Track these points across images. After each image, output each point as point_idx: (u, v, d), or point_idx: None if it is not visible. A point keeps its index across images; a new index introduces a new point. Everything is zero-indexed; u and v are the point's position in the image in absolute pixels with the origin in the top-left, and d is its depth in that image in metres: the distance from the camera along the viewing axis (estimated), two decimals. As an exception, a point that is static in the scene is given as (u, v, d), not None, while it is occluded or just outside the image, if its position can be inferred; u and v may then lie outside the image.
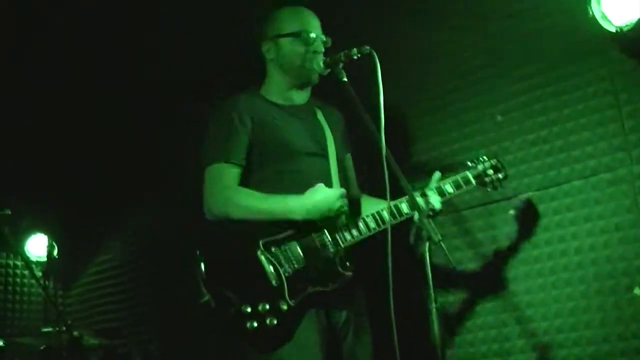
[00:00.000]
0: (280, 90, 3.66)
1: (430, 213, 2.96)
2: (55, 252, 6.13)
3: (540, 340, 4.00)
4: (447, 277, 4.21)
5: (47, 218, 6.43)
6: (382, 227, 3.37)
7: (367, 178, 3.86)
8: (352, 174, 3.82)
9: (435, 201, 3.45)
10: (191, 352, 5.54)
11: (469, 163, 3.67)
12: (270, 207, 3.35)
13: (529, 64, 4.21)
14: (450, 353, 4.27)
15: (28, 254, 6.39)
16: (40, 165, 6.16)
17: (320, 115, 3.72)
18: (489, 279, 4.21)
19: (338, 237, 3.38)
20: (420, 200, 3.37)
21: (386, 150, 2.97)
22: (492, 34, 4.31)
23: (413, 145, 4.60)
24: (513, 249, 4.14)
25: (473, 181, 3.61)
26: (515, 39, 4.23)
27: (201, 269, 3.24)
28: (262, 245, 3.28)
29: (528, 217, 4.11)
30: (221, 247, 3.36)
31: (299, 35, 3.57)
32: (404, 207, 3.39)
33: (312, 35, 3.56)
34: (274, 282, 3.23)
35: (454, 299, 4.29)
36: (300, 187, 3.41)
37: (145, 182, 6.20)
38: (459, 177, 3.59)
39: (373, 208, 3.47)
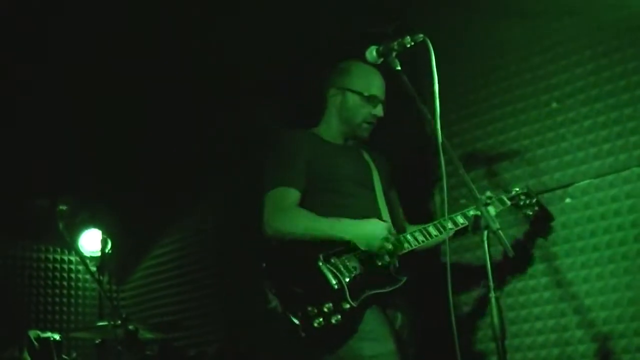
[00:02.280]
0: (334, 136, 3.90)
1: (488, 202, 2.93)
2: (109, 247, 6.18)
3: (599, 330, 3.93)
4: (504, 266, 4.17)
5: (102, 213, 6.49)
6: (430, 240, 3.59)
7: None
8: (398, 207, 4.06)
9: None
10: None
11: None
12: (325, 226, 3.52)
13: (585, 50, 4.14)
14: (507, 343, 4.20)
15: (81, 249, 6.46)
16: (95, 161, 6.22)
17: (366, 155, 3.98)
18: (546, 268, 4.15)
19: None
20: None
21: (443, 139, 2.94)
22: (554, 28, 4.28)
23: (468, 134, 4.55)
24: (570, 238, 4.08)
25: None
26: (575, 31, 4.20)
27: (268, 280, 3.42)
28: (322, 257, 3.43)
29: (585, 205, 4.04)
30: (285, 260, 3.53)
31: (367, 98, 3.80)
32: (449, 224, 3.58)
33: (379, 103, 3.81)
34: (335, 286, 3.37)
35: (511, 288, 4.23)
36: (353, 210, 3.63)
37: (203, 178, 6.24)
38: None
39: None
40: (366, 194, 3.78)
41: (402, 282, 3.48)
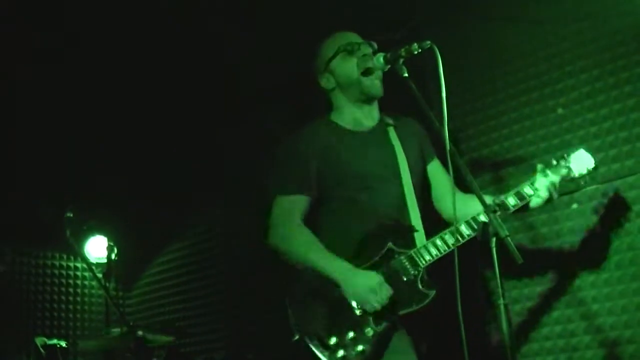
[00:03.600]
0: (349, 115, 3.72)
1: (496, 208, 2.92)
2: (114, 254, 6.19)
3: (607, 335, 3.93)
4: (512, 273, 4.17)
5: (108, 220, 6.50)
6: (462, 241, 3.38)
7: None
8: (443, 177, 3.76)
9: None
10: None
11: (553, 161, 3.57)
12: (320, 261, 3.42)
13: (590, 56, 4.15)
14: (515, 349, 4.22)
15: (88, 256, 6.47)
16: (101, 168, 6.24)
17: (392, 134, 3.74)
18: (553, 274, 4.15)
19: (417, 259, 3.40)
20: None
21: (451, 146, 2.94)
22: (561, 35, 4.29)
23: (474, 140, 4.55)
24: (577, 244, 4.08)
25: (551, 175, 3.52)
26: (581, 38, 4.21)
27: (290, 314, 3.38)
28: None
29: (592, 211, 4.05)
30: (305, 289, 3.46)
31: (343, 50, 3.68)
32: (465, 230, 3.38)
33: (353, 43, 3.67)
34: (358, 312, 3.31)
35: (518, 294, 4.23)
36: (371, 216, 3.51)
37: (208, 184, 6.26)
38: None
39: (469, 209, 3.42)
40: (392, 188, 3.59)
41: (431, 297, 3.35)
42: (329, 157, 3.59)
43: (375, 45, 3.61)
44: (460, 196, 3.67)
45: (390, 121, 3.78)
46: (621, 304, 3.90)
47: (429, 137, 3.83)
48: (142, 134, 6.19)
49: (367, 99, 3.69)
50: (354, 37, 3.73)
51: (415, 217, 3.57)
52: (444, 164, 2.94)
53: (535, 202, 3.50)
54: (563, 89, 4.23)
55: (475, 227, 3.34)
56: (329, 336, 3.27)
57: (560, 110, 4.22)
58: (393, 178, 3.62)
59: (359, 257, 3.42)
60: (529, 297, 4.21)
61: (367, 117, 3.72)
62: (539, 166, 3.54)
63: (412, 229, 3.54)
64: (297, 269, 3.52)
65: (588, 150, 4.01)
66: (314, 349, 3.26)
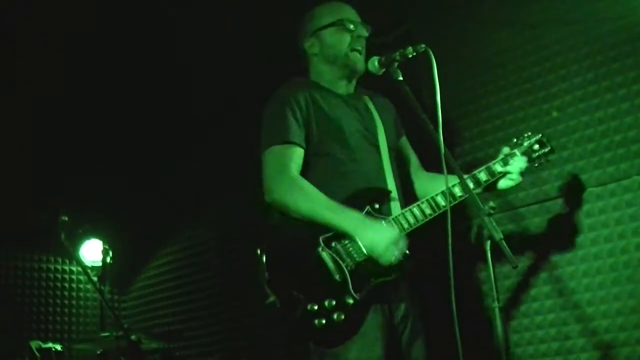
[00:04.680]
0: (329, 81, 3.68)
1: (491, 211, 2.92)
2: (109, 258, 6.19)
3: (602, 338, 3.93)
4: (506, 276, 4.18)
5: (103, 224, 6.50)
6: (438, 212, 3.34)
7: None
8: (410, 154, 3.84)
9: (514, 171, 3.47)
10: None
11: (514, 140, 3.60)
12: (331, 213, 3.30)
13: (584, 59, 4.16)
14: (510, 352, 4.23)
15: (83, 259, 6.47)
16: (96, 171, 6.24)
17: (370, 104, 3.73)
18: (548, 277, 4.15)
19: (396, 226, 3.34)
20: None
21: (445, 149, 2.95)
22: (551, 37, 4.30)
23: (468, 143, 4.56)
24: (572, 247, 4.08)
25: (520, 156, 3.52)
26: (573, 41, 4.21)
27: (263, 270, 3.25)
28: (323, 241, 3.28)
29: (586, 214, 4.05)
30: (281, 245, 3.36)
31: (339, 24, 3.62)
32: (457, 191, 3.34)
33: (351, 23, 3.61)
34: (337, 277, 3.23)
35: (512, 297, 4.24)
36: (356, 176, 3.45)
37: (203, 188, 6.26)
38: (506, 155, 3.53)
39: (434, 188, 3.42)
40: (371, 153, 3.55)
41: (408, 266, 3.29)
42: (315, 112, 3.52)
43: (370, 29, 3.63)
44: (425, 175, 3.78)
45: (366, 92, 3.78)
46: (616, 306, 3.91)
47: (400, 116, 3.86)
48: (138, 136, 6.20)
49: (349, 74, 3.67)
50: (353, 15, 3.69)
51: (392, 185, 3.53)
52: (439, 167, 2.92)
53: (505, 184, 3.52)
54: (557, 92, 4.23)
55: (451, 200, 3.30)
56: (306, 302, 3.19)
57: (555, 114, 4.22)
58: (373, 144, 3.59)
59: None
60: (523, 300, 4.21)
61: (346, 86, 3.70)
62: (505, 148, 3.56)
63: (389, 196, 3.48)
64: (276, 223, 3.44)
65: (583, 153, 4.06)
66: (294, 315, 3.19)
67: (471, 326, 3.12)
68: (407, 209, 3.40)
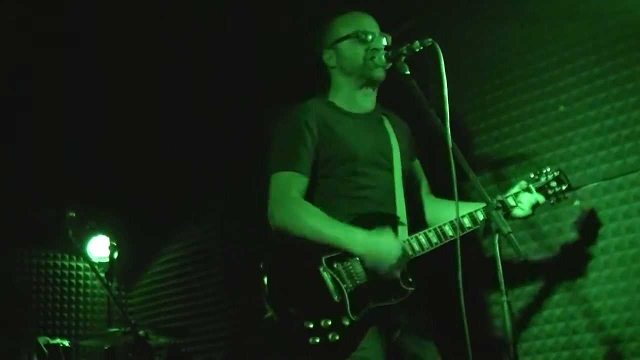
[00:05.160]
0: (346, 96, 3.64)
1: (499, 205, 2.92)
2: (116, 254, 6.20)
3: (609, 333, 3.92)
4: (513, 270, 4.17)
5: (110, 220, 6.52)
6: (445, 241, 3.35)
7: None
8: (422, 178, 3.84)
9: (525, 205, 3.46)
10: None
11: (531, 175, 3.60)
12: (334, 234, 3.30)
13: (591, 54, 4.15)
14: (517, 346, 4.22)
15: (90, 256, 6.49)
16: (103, 168, 6.26)
17: (387, 123, 3.70)
18: (555, 272, 4.15)
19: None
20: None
21: (452, 144, 2.94)
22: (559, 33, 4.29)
23: (475, 138, 4.56)
24: (579, 241, 4.07)
25: (536, 193, 3.52)
26: (579, 35, 4.20)
27: (264, 285, 3.25)
28: (325, 261, 3.27)
29: (594, 208, 4.04)
30: (283, 262, 3.35)
31: (356, 36, 3.57)
32: (467, 222, 3.36)
33: (369, 34, 3.55)
34: (336, 297, 3.22)
35: (519, 292, 4.23)
36: (364, 202, 3.45)
37: (208, 184, 6.27)
38: (522, 189, 3.52)
39: (444, 215, 3.44)
40: (383, 176, 3.53)
41: (409, 293, 3.30)
42: (326, 134, 3.49)
43: (390, 39, 3.59)
44: (435, 200, 3.77)
45: (385, 112, 3.76)
46: (623, 301, 3.89)
47: (414, 140, 3.84)
48: (143, 134, 6.20)
49: (368, 83, 3.62)
50: (370, 25, 3.63)
51: (401, 209, 3.52)
52: (446, 161, 2.92)
53: (517, 212, 3.49)
54: (564, 87, 4.22)
55: (465, 227, 3.34)
56: (303, 320, 3.17)
57: (562, 108, 4.21)
58: (385, 165, 3.57)
59: None
60: (531, 295, 4.20)
61: (364, 100, 3.65)
62: (523, 182, 3.55)
63: (397, 221, 3.47)
64: (279, 239, 3.42)
65: (590, 147, 4.05)
66: (285, 330, 3.20)
67: (479, 321, 3.12)
68: (413, 235, 3.39)
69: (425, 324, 3.49)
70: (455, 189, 2.92)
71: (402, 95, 3.55)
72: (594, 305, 3.98)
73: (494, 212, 2.85)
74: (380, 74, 3.53)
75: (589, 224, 4.04)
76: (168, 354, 5.52)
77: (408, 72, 3.20)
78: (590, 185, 4.05)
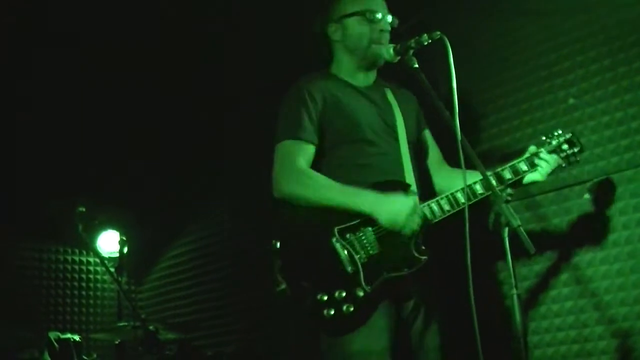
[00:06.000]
0: (348, 71, 3.67)
1: (509, 198, 2.92)
2: (126, 248, 6.21)
3: (619, 326, 3.90)
4: (523, 263, 4.16)
5: (120, 215, 6.53)
6: (457, 208, 3.34)
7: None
8: (432, 148, 3.83)
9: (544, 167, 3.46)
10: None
11: (542, 138, 3.58)
12: (343, 198, 3.31)
13: (601, 46, 4.13)
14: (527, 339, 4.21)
15: (99, 250, 6.50)
16: (113, 163, 6.27)
17: (390, 96, 3.71)
18: (565, 265, 4.13)
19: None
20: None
21: (461, 136, 2.94)
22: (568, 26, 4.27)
23: (485, 131, 4.54)
24: (589, 234, 4.06)
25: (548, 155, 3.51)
26: (590, 28, 4.17)
27: (277, 258, 3.26)
28: (337, 232, 3.28)
29: (604, 201, 4.03)
30: (296, 235, 3.35)
31: (364, 14, 3.59)
32: (478, 188, 3.35)
33: (378, 13, 3.58)
34: (349, 268, 3.23)
35: (529, 285, 4.22)
36: (374, 169, 3.45)
37: (218, 178, 6.27)
38: (532, 153, 3.52)
39: (456, 183, 3.40)
40: (389, 145, 3.54)
41: (422, 263, 3.29)
42: (330, 104, 3.51)
43: (396, 22, 3.61)
44: (446, 170, 3.77)
45: (387, 84, 3.76)
46: (634, 294, 3.87)
47: (421, 109, 3.83)
48: (152, 129, 6.21)
49: (368, 65, 3.66)
50: (379, 5, 3.65)
51: (410, 178, 3.52)
52: (455, 155, 2.92)
53: (530, 177, 3.50)
54: (574, 80, 4.20)
55: (472, 197, 3.33)
56: (316, 291, 3.19)
57: (571, 101, 4.20)
58: (391, 135, 3.58)
59: (353, 214, 3.33)
60: (540, 288, 4.19)
61: (365, 76, 3.69)
62: (532, 147, 3.54)
63: (407, 189, 3.45)
64: (289, 214, 3.41)
65: (600, 140, 4.03)
66: (303, 303, 3.21)
67: (489, 314, 3.10)
68: (425, 204, 3.39)
69: (434, 304, 3.50)
70: (465, 181, 2.93)
71: (410, 89, 3.58)
72: (604, 298, 3.97)
73: (503, 206, 2.85)
74: (382, 58, 3.53)
75: (599, 217, 4.03)
76: (178, 348, 5.53)
77: (416, 66, 3.19)
78: (600, 179, 4.03)
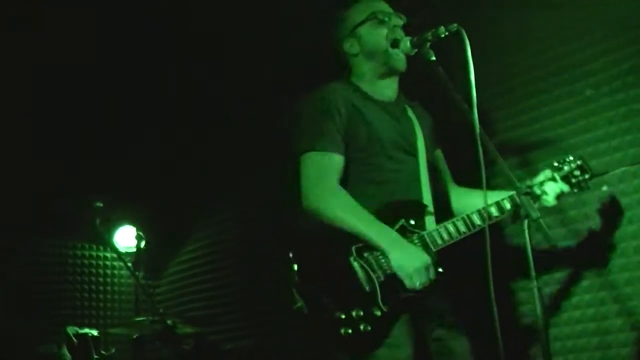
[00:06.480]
0: (370, 83, 3.65)
1: (528, 190, 2.90)
2: (143, 243, 6.23)
3: (639, 318, 3.89)
4: (542, 256, 4.14)
5: (137, 210, 6.55)
6: (473, 230, 3.35)
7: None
8: (444, 168, 3.85)
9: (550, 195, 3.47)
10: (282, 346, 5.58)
11: (555, 164, 3.60)
12: (368, 228, 3.28)
13: (619, 36, 4.10)
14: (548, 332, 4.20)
15: (116, 245, 6.52)
16: (130, 157, 6.29)
17: (410, 113, 3.70)
18: (584, 257, 4.11)
19: (429, 242, 3.34)
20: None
21: (480, 129, 2.92)
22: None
23: (501, 123, 4.52)
24: (607, 226, 4.03)
25: (560, 182, 3.54)
26: (608, 17, 4.15)
27: (294, 275, 3.24)
28: (355, 250, 3.26)
29: (622, 193, 4.01)
30: (313, 252, 3.35)
31: (374, 17, 3.59)
32: (494, 211, 3.37)
33: (385, 13, 3.59)
34: (367, 287, 3.21)
35: (549, 277, 4.20)
36: (390, 187, 3.44)
37: (236, 175, 6.27)
38: (546, 178, 3.53)
39: (469, 203, 3.46)
40: (408, 162, 3.52)
41: (438, 282, 3.28)
42: (353, 117, 3.48)
43: (405, 19, 3.60)
44: (460, 189, 3.80)
45: (407, 102, 3.76)
46: (654, 286, 3.87)
47: (436, 128, 3.84)
48: (170, 124, 6.22)
49: (391, 72, 3.63)
50: (384, 6, 3.67)
51: (427, 196, 3.52)
52: (473, 146, 2.90)
53: (541, 203, 3.50)
54: (591, 70, 4.18)
55: (492, 216, 3.35)
56: (334, 310, 3.16)
57: (588, 92, 4.17)
58: (411, 153, 3.56)
59: None
60: (560, 280, 4.17)
61: (387, 89, 3.67)
62: (547, 171, 3.55)
63: (425, 209, 3.47)
64: (308, 227, 3.43)
65: (617, 131, 4.01)
66: (315, 320, 3.20)
67: (509, 307, 3.11)
68: (441, 224, 3.39)
69: (456, 313, 3.48)
70: (484, 174, 2.91)
71: (427, 80, 3.56)
72: (624, 290, 3.95)
73: (523, 198, 2.84)
74: (402, 64, 3.55)
75: (617, 209, 4.01)
76: (195, 342, 5.55)
77: (434, 59, 3.17)
78: (618, 170, 4.01)
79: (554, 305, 4.17)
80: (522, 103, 4.45)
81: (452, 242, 3.36)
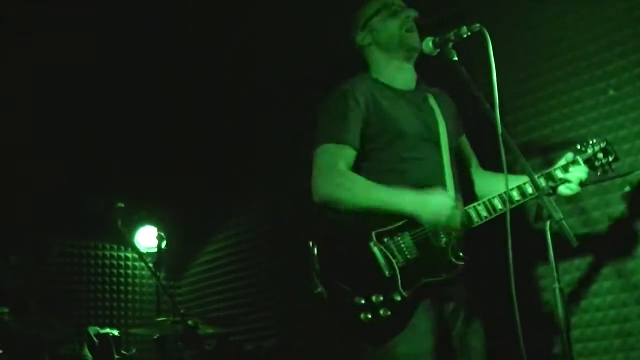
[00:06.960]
0: (388, 73, 3.65)
1: (550, 191, 2.89)
2: (164, 244, 6.25)
3: (662, 320, 3.88)
4: (564, 257, 4.13)
5: (158, 210, 6.57)
6: (494, 214, 3.32)
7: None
8: (470, 153, 3.83)
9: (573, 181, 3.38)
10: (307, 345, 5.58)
11: (577, 147, 3.53)
12: (384, 196, 3.29)
13: (637, 37, 4.08)
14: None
15: (138, 246, 6.55)
16: (151, 158, 6.32)
17: (431, 100, 3.68)
18: (606, 258, 4.09)
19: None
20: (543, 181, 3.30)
21: (502, 129, 2.91)
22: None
23: (524, 123, 4.50)
24: (630, 227, 4.01)
25: (583, 165, 3.45)
26: (629, 17, 4.12)
27: (314, 260, 3.25)
28: (375, 236, 3.26)
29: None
30: (334, 238, 3.35)
31: (385, 8, 3.64)
32: (515, 195, 3.32)
33: (395, 4, 3.64)
34: (387, 272, 3.22)
35: (571, 278, 4.18)
36: (414, 174, 3.41)
37: (257, 174, 6.29)
38: (568, 161, 3.46)
39: (492, 188, 3.42)
40: (430, 150, 3.49)
41: (459, 269, 3.27)
42: (374, 112, 3.47)
43: (416, 12, 3.61)
44: (484, 174, 3.77)
45: (428, 89, 3.74)
46: (677, 287, 3.85)
47: (459, 114, 3.82)
48: (191, 124, 6.25)
49: (407, 54, 3.62)
50: (397, 0, 3.71)
51: (450, 185, 3.48)
52: (496, 147, 2.89)
53: (564, 191, 3.41)
54: (614, 71, 4.16)
55: (514, 200, 3.30)
56: (354, 295, 3.17)
57: (611, 92, 4.15)
58: (433, 141, 3.54)
59: (391, 215, 3.29)
60: (582, 281, 4.15)
61: (405, 76, 3.67)
62: (569, 155, 3.47)
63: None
64: (328, 218, 3.41)
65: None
66: (335, 305, 3.20)
67: (531, 308, 3.09)
68: (463, 209, 3.36)
69: (475, 307, 3.47)
70: (506, 175, 2.91)
71: (450, 81, 3.55)
72: (647, 292, 3.93)
73: (545, 199, 2.82)
74: (416, 43, 3.54)
75: (640, 210, 3.98)
76: (217, 342, 5.56)
77: (456, 58, 3.17)
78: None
79: (576, 306, 4.15)
80: (543, 103, 4.43)
81: (473, 226, 3.34)
